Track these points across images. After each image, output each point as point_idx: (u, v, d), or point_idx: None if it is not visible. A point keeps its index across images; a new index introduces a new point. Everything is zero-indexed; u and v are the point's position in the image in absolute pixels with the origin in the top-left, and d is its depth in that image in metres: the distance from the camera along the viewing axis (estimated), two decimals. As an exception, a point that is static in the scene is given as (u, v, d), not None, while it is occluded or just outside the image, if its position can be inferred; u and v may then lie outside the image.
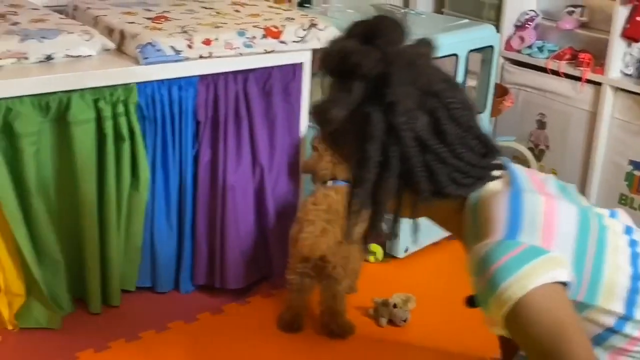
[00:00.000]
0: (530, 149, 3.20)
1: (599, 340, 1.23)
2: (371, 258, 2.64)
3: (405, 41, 1.20)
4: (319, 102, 1.20)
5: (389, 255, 2.68)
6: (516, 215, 1.16)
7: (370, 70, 1.14)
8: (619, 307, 1.20)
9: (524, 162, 3.20)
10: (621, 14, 2.78)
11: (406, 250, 2.67)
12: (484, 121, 2.83)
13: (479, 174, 1.21)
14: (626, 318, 1.20)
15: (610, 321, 1.21)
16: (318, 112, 1.19)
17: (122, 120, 2.10)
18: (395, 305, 2.27)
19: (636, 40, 2.79)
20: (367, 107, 1.14)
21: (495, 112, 3.09)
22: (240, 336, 2.20)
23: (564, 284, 1.12)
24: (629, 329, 1.21)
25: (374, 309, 2.31)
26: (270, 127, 2.40)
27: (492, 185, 1.23)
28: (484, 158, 1.21)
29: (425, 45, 1.25)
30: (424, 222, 2.72)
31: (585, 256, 1.18)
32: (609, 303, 1.20)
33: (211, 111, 2.26)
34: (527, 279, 1.10)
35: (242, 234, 2.36)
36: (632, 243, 1.28)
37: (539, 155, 3.20)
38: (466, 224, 1.24)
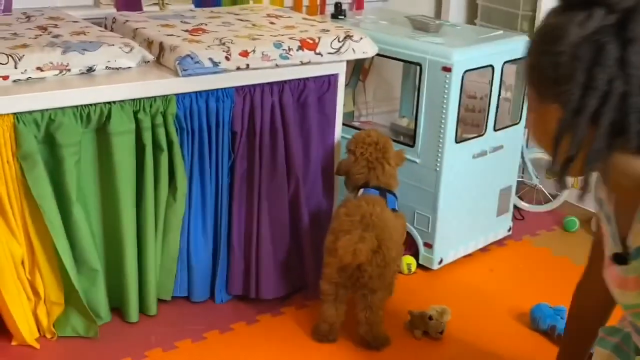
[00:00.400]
0: (564, 160, 3.17)
1: None
2: (405, 269, 2.63)
3: None
4: (547, 24, 1.24)
5: (422, 267, 2.66)
6: None
7: (620, 2, 1.16)
8: None
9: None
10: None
11: (440, 262, 2.66)
12: (520, 131, 2.82)
13: None
14: None
15: None
16: (549, 32, 1.22)
17: (161, 131, 2.12)
18: (430, 317, 2.26)
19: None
20: (604, 36, 1.16)
21: (529, 122, 3.07)
22: (275, 346, 2.20)
23: None
24: None
25: (409, 321, 2.30)
26: (305, 138, 2.41)
27: None
28: None
29: None
30: (456, 232, 2.71)
31: None
32: None
33: (247, 122, 2.27)
34: None
35: (277, 245, 2.37)
36: None
37: (573, 166, 3.16)
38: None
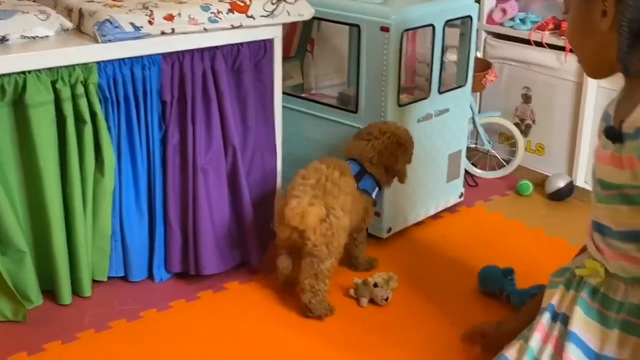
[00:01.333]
0: (516, 124, 3.12)
1: None
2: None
3: None
4: None
5: (372, 236, 2.59)
6: None
7: None
8: None
9: (510, 138, 3.12)
10: (603, -22, 2.69)
11: (389, 231, 2.59)
12: (466, 94, 2.75)
13: None
14: None
15: None
16: None
17: (82, 102, 2.02)
18: (375, 285, 2.19)
19: (619, 5, 2.70)
20: None
21: (479, 87, 3.01)
22: (215, 323, 2.11)
23: None
24: None
25: (354, 289, 2.23)
26: (241, 107, 2.32)
27: None
28: None
29: None
30: (406, 200, 2.65)
31: None
32: None
33: (177, 90, 2.17)
34: None
35: (216, 219, 2.27)
36: None
37: (525, 130, 3.11)
38: None
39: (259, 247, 2.38)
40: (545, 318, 1.57)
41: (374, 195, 2.34)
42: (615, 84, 2.71)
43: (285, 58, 3.10)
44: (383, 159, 2.31)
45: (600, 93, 2.80)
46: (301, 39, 3.11)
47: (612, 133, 1.35)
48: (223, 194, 2.29)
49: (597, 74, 1.42)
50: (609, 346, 1.41)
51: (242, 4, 2.23)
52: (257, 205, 2.39)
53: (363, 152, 2.31)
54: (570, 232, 2.56)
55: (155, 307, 2.18)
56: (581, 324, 1.48)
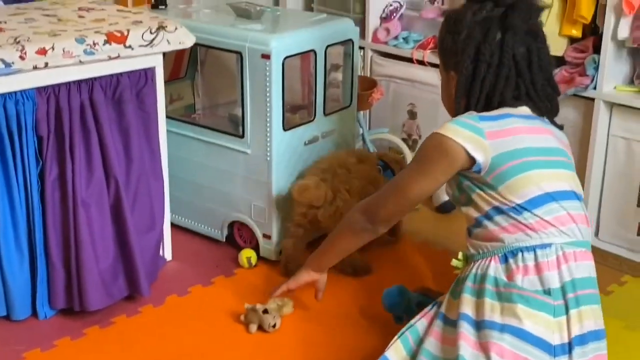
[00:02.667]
0: (404, 139, 3.21)
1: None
2: (245, 263, 2.56)
3: None
4: (452, 10, 1.76)
5: (264, 259, 2.61)
6: (499, 116, 1.67)
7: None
8: (518, 200, 1.62)
9: (399, 153, 3.21)
10: (477, 0, 2.81)
11: (281, 253, 2.61)
12: (352, 114, 2.81)
13: (533, 96, 1.71)
14: (519, 209, 1.61)
15: (504, 204, 1.63)
16: (453, 17, 1.73)
17: (-49, 142, 1.95)
18: (265, 311, 2.21)
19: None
20: (490, 22, 1.65)
21: (366, 105, 3.08)
22: None
23: (468, 153, 1.63)
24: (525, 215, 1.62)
25: (244, 315, 2.24)
26: (124, 137, 2.29)
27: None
28: (547, 94, 1.73)
29: (538, 3, 1.74)
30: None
31: (522, 157, 1.63)
32: (514, 193, 1.62)
33: (54, 124, 2.13)
34: (454, 132, 1.63)
35: (99, 253, 2.24)
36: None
37: (412, 145, 3.21)
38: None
39: (147, 276, 2.36)
40: (431, 309, 1.78)
41: None
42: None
43: (176, 78, 3.10)
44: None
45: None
46: (191, 59, 3.10)
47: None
48: (106, 227, 2.26)
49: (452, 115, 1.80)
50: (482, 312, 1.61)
51: (119, 35, 2.21)
52: (145, 233, 2.37)
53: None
54: (455, 243, 2.66)
55: (39, 346, 2.12)
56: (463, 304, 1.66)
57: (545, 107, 1.73)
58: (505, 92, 1.69)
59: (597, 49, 2.53)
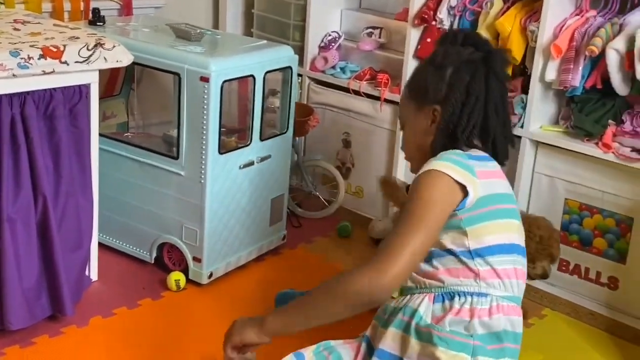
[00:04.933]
0: (337, 167, 3.25)
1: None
2: (173, 286, 2.54)
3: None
4: (435, 52, 1.71)
5: (193, 282, 2.59)
6: (479, 156, 1.62)
7: (483, 45, 1.69)
8: (477, 245, 1.56)
9: (332, 180, 3.25)
10: (414, 35, 2.89)
11: (210, 276, 2.60)
12: (288, 140, 2.83)
13: (499, 137, 1.68)
14: (474, 254, 1.56)
15: (460, 247, 1.57)
16: (438, 52, 1.69)
17: None
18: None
19: (428, 61, 2.90)
20: (476, 63, 1.66)
21: (302, 131, 3.11)
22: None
23: (464, 190, 1.52)
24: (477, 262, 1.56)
25: None
26: (54, 153, 2.24)
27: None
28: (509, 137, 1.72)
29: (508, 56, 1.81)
30: (227, 244, 2.64)
31: (484, 204, 1.56)
32: (475, 238, 1.56)
33: (-18, 137, 2.07)
34: (445, 167, 1.52)
35: (23, 271, 2.18)
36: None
37: (346, 173, 3.25)
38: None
39: (72, 296, 2.31)
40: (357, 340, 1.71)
41: None
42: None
43: (110, 96, 3.06)
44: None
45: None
46: (126, 76, 3.07)
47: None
48: (32, 244, 2.20)
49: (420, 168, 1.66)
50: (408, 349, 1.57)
51: (55, 50, 2.17)
52: (71, 251, 2.32)
53: None
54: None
55: (-46, 367, 2.05)
56: (387, 337, 1.61)
57: (503, 151, 1.73)
58: (495, 127, 1.67)
59: (525, 90, 2.64)
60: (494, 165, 1.65)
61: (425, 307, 1.58)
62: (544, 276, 2.43)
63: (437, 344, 1.52)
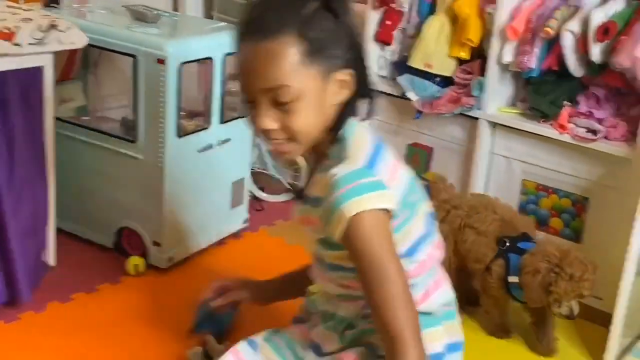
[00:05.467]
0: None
1: None
2: (132, 270, 2.52)
3: None
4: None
5: (153, 267, 2.57)
6: (377, 153, 1.46)
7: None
8: (402, 249, 1.51)
9: (295, 163, 3.23)
10: (373, 18, 2.89)
11: (170, 260, 2.58)
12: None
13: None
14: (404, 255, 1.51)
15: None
16: None
17: None
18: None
19: (387, 44, 2.91)
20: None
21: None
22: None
23: (389, 211, 1.44)
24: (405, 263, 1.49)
25: None
26: (7, 139, 2.20)
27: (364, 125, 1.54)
28: None
29: None
30: (187, 228, 2.64)
31: (404, 206, 1.49)
32: (402, 241, 1.51)
33: None
34: (363, 203, 1.39)
35: (-25, 258, 2.15)
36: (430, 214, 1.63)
37: (307, 156, 3.25)
38: (337, 144, 1.49)
39: (28, 282, 2.28)
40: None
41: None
42: (384, 116, 2.91)
43: (67, 79, 3.01)
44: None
45: (373, 125, 2.98)
46: (83, 59, 3.02)
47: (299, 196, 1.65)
48: (-16, 233, 2.17)
49: (304, 152, 1.53)
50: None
51: (6, 31, 2.13)
52: (27, 238, 2.29)
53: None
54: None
55: None
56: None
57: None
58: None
59: (483, 72, 2.66)
60: (385, 149, 1.50)
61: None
62: (570, 317, 2.18)
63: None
